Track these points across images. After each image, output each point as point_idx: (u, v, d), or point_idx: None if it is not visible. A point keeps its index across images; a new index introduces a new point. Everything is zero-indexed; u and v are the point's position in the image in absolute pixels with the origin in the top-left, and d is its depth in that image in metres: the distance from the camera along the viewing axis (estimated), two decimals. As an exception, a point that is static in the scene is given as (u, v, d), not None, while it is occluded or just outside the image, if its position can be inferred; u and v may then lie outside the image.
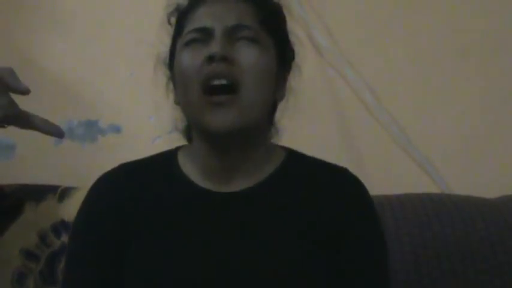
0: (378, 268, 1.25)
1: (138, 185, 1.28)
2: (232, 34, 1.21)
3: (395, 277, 1.64)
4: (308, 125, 2.03)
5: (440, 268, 1.66)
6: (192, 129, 1.31)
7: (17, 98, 1.11)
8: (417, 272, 1.65)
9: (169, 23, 1.34)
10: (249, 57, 1.20)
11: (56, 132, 1.16)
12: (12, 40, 2.12)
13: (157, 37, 1.34)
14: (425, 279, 1.65)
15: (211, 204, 1.24)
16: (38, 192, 1.77)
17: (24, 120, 1.14)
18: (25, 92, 1.10)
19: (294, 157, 1.33)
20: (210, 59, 1.17)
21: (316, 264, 1.20)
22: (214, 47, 1.18)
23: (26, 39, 2.13)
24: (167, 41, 1.33)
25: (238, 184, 1.26)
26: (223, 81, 1.17)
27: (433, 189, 2.01)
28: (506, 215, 1.74)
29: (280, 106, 1.33)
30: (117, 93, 2.10)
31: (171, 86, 1.32)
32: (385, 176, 2.03)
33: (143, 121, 2.05)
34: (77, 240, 1.29)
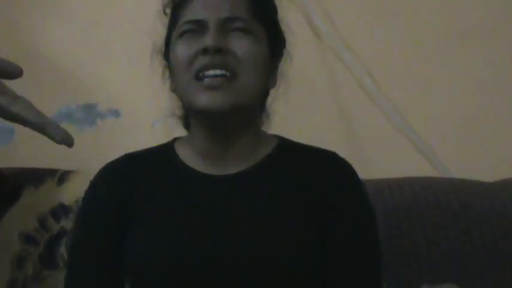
0: (368, 246, 1.29)
1: (139, 172, 1.34)
2: (225, 25, 1.25)
3: (395, 261, 1.64)
4: (307, 110, 2.03)
5: (440, 252, 1.66)
6: (189, 116, 1.36)
7: (14, 82, 1.04)
8: (416, 256, 1.66)
9: (164, 13, 1.38)
10: (243, 47, 1.24)
11: (58, 134, 1.03)
12: (12, 25, 2.12)
13: (153, 25, 1.37)
14: (425, 262, 1.66)
15: (208, 186, 1.29)
16: (37, 176, 1.77)
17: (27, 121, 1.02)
18: (17, 73, 1.00)
19: (285, 143, 1.37)
20: (205, 51, 1.22)
21: (308, 243, 1.23)
22: (209, 39, 1.22)
23: (26, 24, 2.12)
24: (163, 30, 1.37)
25: (233, 167, 1.30)
26: (218, 72, 1.22)
27: (432, 172, 2.01)
28: (505, 199, 1.74)
29: (273, 92, 1.38)
30: (116, 77, 2.09)
31: (167, 74, 1.37)
32: (384, 160, 2.03)
33: (142, 105, 2.05)
34: (82, 226, 1.33)
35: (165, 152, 1.37)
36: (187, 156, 1.34)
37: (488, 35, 2.07)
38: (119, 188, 1.32)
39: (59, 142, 1.02)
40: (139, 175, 1.33)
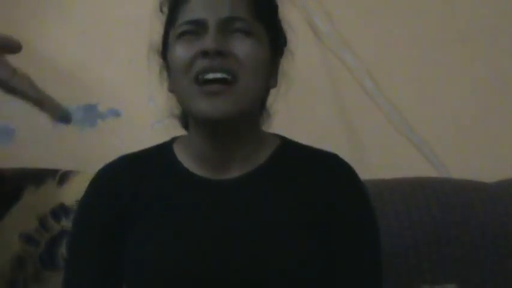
0: (370, 247, 1.27)
1: (137, 174, 1.30)
2: (226, 26, 1.20)
3: (395, 260, 1.64)
4: (307, 110, 2.03)
5: (440, 252, 1.66)
6: (187, 115, 1.32)
7: None
8: (416, 256, 1.66)
9: (161, 11, 1.33)
10: (244, 49, 1.20)
11: (64, 116, 1.05)
12: (12, 24, 2.11)
13: (151, 23, 1.33)
14: (425, 263, 1.66)
15: (208, 191, 1.26)
16: (38, 177, 1.77)
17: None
18: (16, 46, 1.01)
19: (286, 145, 1.34)
20: (205, 53, 1.18)
21: (309, 245, 1.22)
22: (208, 41, 1.18)
23: (26, 24, 2.12)
24: (160, 28, 1.32)
25: (234, 171, 1.27)
26: (218, 75, 1.17)
27: (432, 173, 2.01)
28: (505, 199, 1.75)
29: (274, 91, 1.34)
30: (116, 78, 2.09)
31: (164, 74, 1.33)
32: (384, 160, 2.03)
33: (143, 105, 2.05)
34: (79, 229, 1.31)
35: (163, 154, 1.33)
36: (187, 159, 1.30)
37: (488, 36, 2.07)
38: (117, 192, 1.29)
39: (56, 118, 1.02)
40: (137, 178, 1.30)
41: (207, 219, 1.23)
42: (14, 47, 1.01)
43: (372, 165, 2.00)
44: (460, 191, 1.75)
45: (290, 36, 1.36)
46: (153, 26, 1.34)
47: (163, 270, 1.20)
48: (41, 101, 1.01)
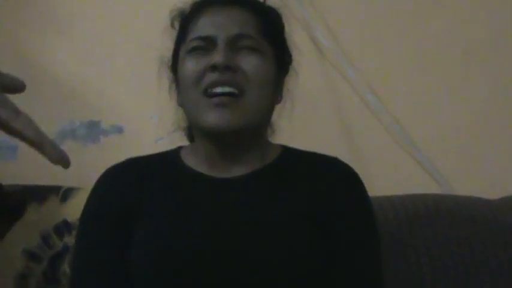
0: (370, 247, 1.31)
1: (143, 173, 1.35)
2: (234, 43, 1.27)
3: (397, 276, 1.64)
4: (310, 125, 2.03)
5: (442, 269, 1.66)
6: (193, 128, 1.37)
7: (17, 98, 1.06)
8: (419, 272, 1.66)
9: (172, 26, 1.40)
10: (251, 65, 1.27)
11: (62, 160, 1.06)
12: (15, 41, 2.12)
13: (160, 39, 1.37)
14: (427, 279, 1.65)
15: (212, 188, 1.31)
16: (40, 193, 1.77)
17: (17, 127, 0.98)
18: (20, 87, 0.98)
19: (289, 150, 1.41)
20: (214, 67, 1.24)
21: (311, 243, 1.24)
22: (218, 56, 1.25)
23: (29, 41, 2.13)
24: (169, 44, 1.38)
25: (237, 172, 1.32)
26: (226, 89, 1.24)
27: (435, 189, 2.01)
28: (508, 216, 1.74)
29: (279, 107, 1.39)
30: (119, 94, 2.10)
31: (173, 88, 1.38)
32: (386, 176, 2.03)
33: (145, 122, 2.06)
34: (86, 225, 1.34)
35: (169, 157, 1.39)
36: (193, 161, 1.35)
37: (491, 51, 2.08)
38: (122, 190, 1.33)
39: (55, 162, 1.01)
40: (142, 177, 1.34)
41: (212, 216, 1.26)
42: (17, 88, 1.01)
43: (373, 181, 1.98)
44: (462, 207, 1.75)
45: (295, 55, 1.41)
46: (157, 44, 1.36)
47: (168, 265, 1.21)
48: (41, 144, 1.01)
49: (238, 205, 1.28)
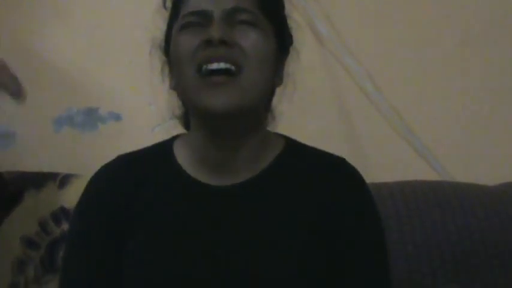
0: (376, 256, 1.24)
1: (135, 177, 1.26)
2: (230, 17, 1.17)
3: (395, 264, 1.64)
4: (308, 113, 2.03)
5: (441, 256, 1.66)
6: (189, 115, 1.28)
7: None
8: (417, 259, 1.66)
9: (164, 7, 1.30)
10: (250, 40, 1.16)
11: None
12: (13, 29, 2.12)
13: (153, 22, 1.30)
14: (425, 267, 1.66)
15: (208, 198, 1.22)
16: (38, 180, 1.77)
17: None
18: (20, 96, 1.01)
19: (292, 147, 1.30)
20: (208, 42, 1.14)
21: (315, 255, 1.18)
22: (213, 31, 1.14)
23: (27, 28, 2.13)
24: (163, 26, 1.29)
25: (235, 176, 1.23)
26: (222, 65, 1.14)
27: (433, 176, 2.01)
28: (506, 202, 1.74)
29: (278, 93, 1.31)
30: (117, 81, 2.10)
31: (166, 71, 1.29)
32: (385, 163, 2.03)
33: (143, 109, 2.05)
34: (76, 232, 1.28)
35: (162, 156, 1.29)
36: (187, 161, 1.26)
37: (489, 38, 2.07)
38: (114, 194, 1.25)
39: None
40: (135, 181, 1.25)
41: (207, 230, 1.19)
42: (18, 93, 1.02)
43: (372, 168, 1.99)
44: (461, 194, 1.75)
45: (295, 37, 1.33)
46: (152, 21, 1.31)
47: (161, 281, 1.17)
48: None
49: (235, 220, 1.19)
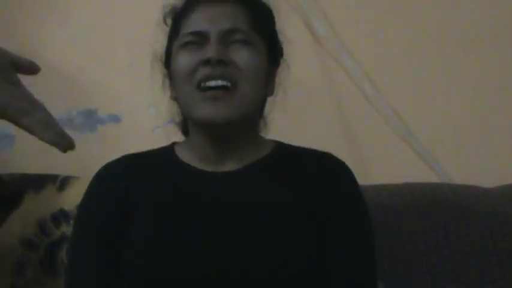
0: (363, 242, 1.31)
1: (138, 170, 1.37)
2: (226, 37, 1.30)
3: (394, 266, 1.64)
4: (307, 115, 2.04)
5: (440, 257, 1.66)
6: (188, 123, 1.39)
7: None
8: (416, 261, 1.66)
9: (165, 23, 1.42)
10: (244, 58, 1.29)
11: (64, 146, 1.10)
12: (13, 30, 2.12)
13: (154, 34, 1.41)
14: (424, 268, 1.66)
15: (206, 182, 1.32)
16: (38, 182, 1.77)
17: (32, 127, 1.06)
18: (35, 69, 1.10)
19: (282, 146, 1.41)
20: (207, 62, 1.26)
21: (305, 235, 1.25)
22: (210, 51, 1.27)
23: (27, 29, 2.12)
24: (163, 39, 1.41)
25: (231, 166, 1.34)
26: (220, 82, 1.26)
27: (433, 178, 2.01)
28: (505, 204, 1.74)
29: (271, 101, 1.42)
30: (116, 83, 2.10)
31: (167, 82, 1.41)
32: (384, 165, 2.03)
33: (143, 111, 2.06)
34: (81, 227, 1.35)
35: (164, 154, 1.40)
36: (186, 156, 1.37)
37: (488, 40, 2.08)
38: (118, 188, 1.34)
39: (63, 151, 1.04)
40: (138, 175, 1.35)
41: (206, 211, 1.27)
42: (32, 69, 1.04)
43: (371, 170, 2.00)
44: (460, 195, 1.75)
45: (289, 43, 1.44)
46: (154, 35, 1.40)
47: (164, 260, 1.22)
48: (55, 141, 1.05)
49: (231, 200, 1.29)
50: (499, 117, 2.06)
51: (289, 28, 1.42)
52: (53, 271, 1.68)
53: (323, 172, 1.35)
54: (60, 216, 1.72)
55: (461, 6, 2.09)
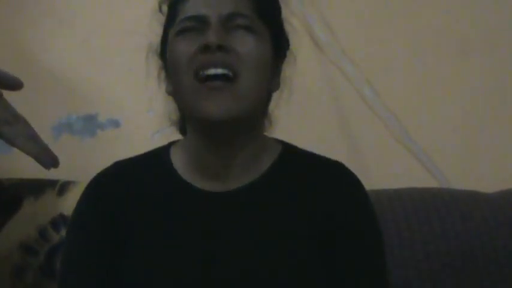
0: (374, 260, 1.24)
1: (131, 184, 1.27)
2: (227, 22, 1.17)
3: (394, 272, 1.64)
4: (307, 120, 2.04)
5: (439, 263, 1.66)
6: (186, 121, 1.28)
7: (15, 92, 1.05)
8: (416, 266, 1.66)
9: (160, 11, 1.31)
10: (246, 45, 1.17)
11: (48, 162, 1.08)
12: (12, 35, 2.12)
13: (149, 26, 1.31)
14: (424, 273, 1.65)
15: (205, 205, 1.22)
16: (37, 187, 1.77)
17: (13, 137, 1.04)
18: (17, 85, 1.01)
19: (289, 152, 1.30)
20: (206, 47, 1.14)
21: (314, 262, 1.19)
22: (210, 36, 1.14)
23: (26, 35, 2.12)
24: (159, 31, 1.30)
25: (233, 182, 1.23)
26: (219, 70, 1.14)
27: (432, 183, 2.01)
28: (505, 209, 1.74)
29: (276, 97, 1.31)
30: (116, 88, 2.09)
31: (162, 75, 1.29)
32: (384, 170, 2.03)
33: (142, 115, 2.05)
34: (73, 238, 1.28)
35: (159, 161, 1.29)
36: (184, 167, 1.26)
37: (488, 44, 2.08)
38: (111, 200, 1.25)
39: (47, 168, 1.04)
40: (132, 188, 1.26)
41: (205, 236, 1.19)
42: (14, 85, 1.01)
43: (371, 175, 2.00)
44: (459, 201, 1.75)
45: (292, 42, 1.33)
46: (151, 30, 1.31)
47: (158, 286, 1.17)
48: (32, 155, 1.05)
49: (233, 226, 1.19)
50: (499, 122, 2.06)
51: (289, 34, 1.39)
52: (53, 276, 1.68)
53: (333, 188, 1.24)
54: (59, 221, 1.72)
55: (462, 12, 2.09)
